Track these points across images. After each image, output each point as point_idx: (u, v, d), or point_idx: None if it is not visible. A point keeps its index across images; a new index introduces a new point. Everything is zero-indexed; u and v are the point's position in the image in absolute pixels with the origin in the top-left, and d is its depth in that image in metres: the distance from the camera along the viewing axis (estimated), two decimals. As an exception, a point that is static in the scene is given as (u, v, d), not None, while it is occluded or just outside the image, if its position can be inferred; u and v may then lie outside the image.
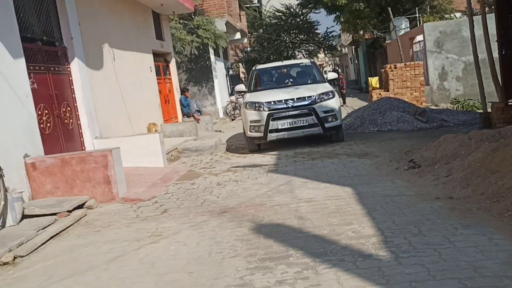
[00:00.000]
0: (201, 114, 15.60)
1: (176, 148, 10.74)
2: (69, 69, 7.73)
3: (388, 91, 14.31)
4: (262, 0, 37.02)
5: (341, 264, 3.38)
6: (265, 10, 32.88)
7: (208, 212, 5.32)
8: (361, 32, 28.13)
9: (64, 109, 7.56)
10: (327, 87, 9.53)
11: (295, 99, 8.96)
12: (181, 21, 17.49)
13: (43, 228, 5.30)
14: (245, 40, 27.80)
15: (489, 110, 9.20)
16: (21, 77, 6.14)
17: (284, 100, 8.97)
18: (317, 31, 31.82)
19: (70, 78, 7.77)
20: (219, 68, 21.39)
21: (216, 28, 18.98)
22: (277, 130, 8.89)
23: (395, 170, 6.34)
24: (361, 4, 24.35)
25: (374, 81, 17.04)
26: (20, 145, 6.09)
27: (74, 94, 7.90)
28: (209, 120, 15.13)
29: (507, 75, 8.82)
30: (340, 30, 32.41)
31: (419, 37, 18.24)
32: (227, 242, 4.18)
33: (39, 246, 4.79)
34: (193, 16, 17.96)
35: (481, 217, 4.03)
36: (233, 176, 7.27)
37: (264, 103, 8.99)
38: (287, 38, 30.60)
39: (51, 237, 5.07)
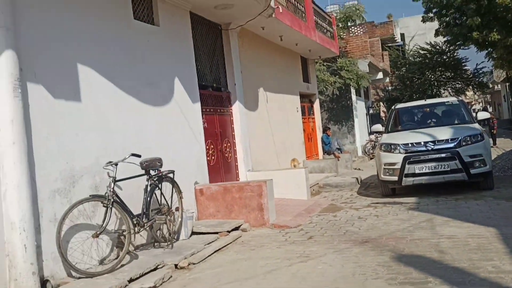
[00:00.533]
0: (341, 152, 16.13)
1: (318, 183, 11.40)
2: (231, 110, 9.02)
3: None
4: (405, 39, 36.76)
5: (478, 293, 3.63)
6: (408, 49, 32.55)
7: (350, 241, 5.82)
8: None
9: (225, 145, 8.81)
10: (475, 128, 8.66)
11: (436, 141, 8.22)
12: (325, 63, 18.49)
13: (208, 243, 6.31)
14: (387, 80, 27.81)
15: None
16: (197, 118, 7.48)
17: (424, 142, 8.27)
18: (465, 67, 30.41)
19: (231, 118, 9.05)
20: (359, 107, 21.82)
21: (359, 69, 19.60)
22: (414, 175, 8.17)
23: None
24: (516, 38, 22.90)
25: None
26: (192, 174, 7.34)
27: (234, 132, 9.14)
28: (349, 158, 15.61)
29: None
30: (492, 66, 30.42)
31: None
32: (369, 266, 4.64)
33: (207, 257, 5.77)
34: (336, 58, 18.84)
35: None
36: (373, 212, 7.64)
37: (400, 145, 8.36)
38: (432, 76, 29.82)
39: (215, 251, 6.03)
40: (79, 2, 5.33)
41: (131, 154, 5.23)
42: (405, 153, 8.27)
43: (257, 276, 4.79)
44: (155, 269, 5.10)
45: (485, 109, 27.35)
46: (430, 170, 8.08)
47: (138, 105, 6.09)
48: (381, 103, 28.88)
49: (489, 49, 26.46)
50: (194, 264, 5.52)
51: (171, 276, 5.02)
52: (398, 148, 8.38)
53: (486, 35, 23.76)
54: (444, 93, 30.80)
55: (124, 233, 5.13)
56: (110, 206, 4.93)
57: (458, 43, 27.83)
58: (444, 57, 29.56)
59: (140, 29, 6.39)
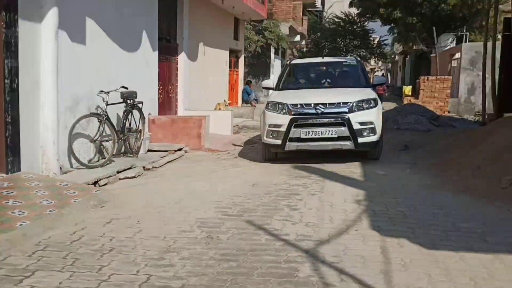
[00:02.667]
0: (257, 102, 18.85)
1: (237, 125, 13.99)
2: (177, 59, 11.13)
3: (417, 99, 16.94)
4: (325, 6, 39.77)
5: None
6: (325, 16, 35.63)
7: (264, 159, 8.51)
8: (411, 44, 30.35)
9: (170, 87, 10.97)
10: (369, 93, 7.95)
11: (327, 104, 7.44)
12: (251, 23, 20.74)
13: (162, 157, 8.64)
14: (303, 42, 30.73)
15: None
16: (155, 64, 9.56)
17: (314, 104, 7.46)
18: (371, 38, 34.21)
19: (177, 66, 11.18)
20: (276, 65, 24.52)
21: (280, 31, 22.13)
22: (298, 139, 7.45)
23: (393, 151, 9.21)
24: (414, 18, 26.79)
25: (407, 89, 19.67)
26: (148, 107, 9.49)
27: (177, 77, 11.29)
28: (263, 108, 18.43)
29: (501, 94, 11.39)
30: (392, 40, 34.60)
31: (458, 55, 20.55)
32: (277, 170, 7.35)
33: (163, 164, 8.11)
34: (263, 20, 21.15)
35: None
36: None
37: (288, 105, 7.54)
38: (342, 43, 33.29)
39: (168, 162, 8.38)
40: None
41: (121, 86, 7.33)
42: (293, 114, 7.46)
43: (203, 174, 7.26)
44: (130, 168, 7.37)
45: (383, 76, 31.46)
46: (317, 136, 7.37)
47: (120, 50, 8.09)
48: (297, 63, 31.89)
49: (391, 25, 30.37)
50: (156, 168, 7.85)
51: (143, 173, 7.33)
52: (285, 108, 7.54)
53: (390, 12, 27.42)
54: (351, 58, 34.42)
55: (110, 141, 7.29)
56: (104, 122, 7.05)
57: (368, 15, 31.45)
58: (355, 26, 33.02)
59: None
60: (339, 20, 33.03)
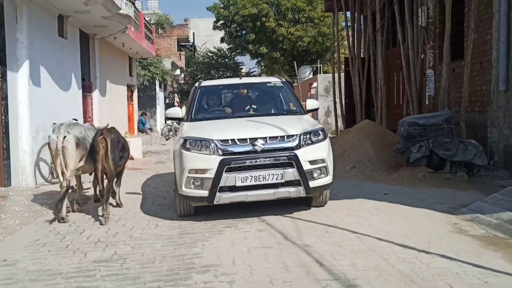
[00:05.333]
0: (152, 131, 21.04)
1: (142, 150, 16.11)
2: (92, 96, 13.04)
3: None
4: (195, 41, 43.13)
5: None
6: (199, 50, 38.98)
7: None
8: (276, 75, 35.05)
9: (88, 119, 12.82)
10: (311, 122, 6.39)
11: (267, 138, 5.62)
12: (137, 59, 22.89)
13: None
14: (182, 75, 33.54)
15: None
16: (79, 99, 11.46)
17: (250, 139, 5.59)
18: (242, 70, 38.35)
19: (92, 101, 13.07)
20: (160, 97, 26.90)
21: (164, 66, 24.61)
22: (232, 188, 5.52)
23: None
24: (277, 53, 31.37)
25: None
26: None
27: (93, 110, 13.17)
28: (157, 136, 20.74)
29: (346, 115, 15.35)
30: (260, 71, 39.17)
31: (315, 84, 25.08)
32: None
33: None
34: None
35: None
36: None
37: (216, 142, 5.55)
38: (216, 75, 36.82)
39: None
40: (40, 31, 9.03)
41: (73, 119, 9.23)
42: (223, 154, 5.50)
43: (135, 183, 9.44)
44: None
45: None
46: (258, 182, 5.49)
47: (59, 91, 9.97)
48: (176, 94, 34.48)
49: (259, 58, 34.71)
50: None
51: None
52: (211, 145, 5.55)
53: (257, 48, 31.65)
54: (225, 89, 38.06)
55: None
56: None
57: (238, 51, 35.49)
58: (226, 60, 36.86)
59: (60, 42, 10.21)
60: (212, 54, 36.60)
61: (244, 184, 5.44)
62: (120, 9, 11.42)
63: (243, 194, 5.50)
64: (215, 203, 5.50)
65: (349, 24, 16.40)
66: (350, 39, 15.25)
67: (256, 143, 5.53)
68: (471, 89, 8.41)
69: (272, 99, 7.31)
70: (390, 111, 12.30)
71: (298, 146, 5.60)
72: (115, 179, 6.55)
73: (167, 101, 30.65)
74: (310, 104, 7.00)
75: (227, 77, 37.15)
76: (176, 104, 33.14)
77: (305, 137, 5.70)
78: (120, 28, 12.97)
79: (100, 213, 6.14)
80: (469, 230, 4.97)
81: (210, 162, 5.45)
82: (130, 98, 19.18)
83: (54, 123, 8.92)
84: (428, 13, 8.59)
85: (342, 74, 16.33)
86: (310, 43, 30.75)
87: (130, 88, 19.19)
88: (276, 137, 5.64)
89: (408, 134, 7.89)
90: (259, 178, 5.46)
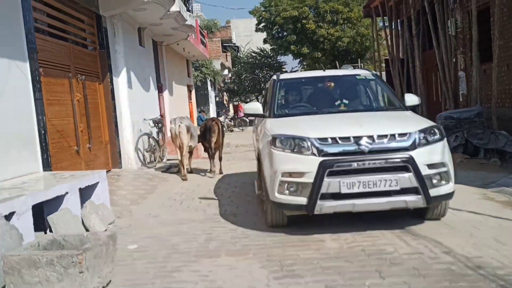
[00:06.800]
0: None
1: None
2: (163, 95, 14.98)
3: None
4: (235, 37, 45.00)
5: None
6: (242, 50, 40.86)
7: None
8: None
9: (161, 115, 14.77)
10: (420, 119, 5.39)
11: (374, 136, 4.64)
12: (193, 62, 24.96)
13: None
14: (230, 75, 35.51)
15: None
16: (156, 99, 13.39)
17: (354, 137, 4.64)
18: (284, 69, 39.96)
19: (163, 100, 15.01)
20: (212, 96, 28.91)
21: (214, 67, 26.59)
22: (336, 196, 4.58)
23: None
24: (319, 53, 32.84)
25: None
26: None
27: (164, 108, 15.12)
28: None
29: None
30: (302, 70, 40.70)
31: (356, 82, 26.32)
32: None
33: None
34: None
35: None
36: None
37: (313, 140, 4.67)
38: (260, 74, 38.57)
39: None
40: (128, 43, 10.94)
41: (160, 115, 11.16)
42: (323, 155, 4.61)
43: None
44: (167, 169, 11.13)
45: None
46: (367, 189, 4.54)
47: (144, 92, 11.90)
48: (224, 93, 36.52)
49: (300, 58, 36.27)
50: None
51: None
52: (308, 145, 4.68)
53: (299, 48, 33.21)
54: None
55: (155, 150, 11.05)
56: (151, 138, 10.84)
57: (281, 51, 37.15)
58: (269, 60, 38.54)
59: (141, 50, 12.16)
60: (256, 55, 38.39)
61: (351, 191, 4.50)
62: (186, 20, 13.27)
63: (349, 203, 4.55)
64: (316, 212, 4.60)
65: (386, 24, 17.56)
66: (389, 42, 16.57)
67: (361, 142, 4.58)
68: (500, 87, 9.73)
69: (364, 93, 6.52)
70: (429, 108, 13.62)
71: (413, 147, 4.63)
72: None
73: (217, 99, 32.71)
74: (410, 99, 5.81)
75: (271, 76, 38.82)
76: (225, 102, 35.20)
77: (420, 135, 4.71)
78: (184, 36, 14.90)
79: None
80: (494, 198, 6.26)
81: (308, 164, 4.57)
82: (189, 97, 21.19)
83: (145, 119, 11.01)
84: (456, 24, 10.00)
85: (383, 73, 17.61)
86: (349, 43, 32.05)
87: (189, 88, 21.19)
88: (386, 135, 4.65)
89: (445, 126, 9.29)
90: (368, 184, 4.50)
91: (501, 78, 9.72)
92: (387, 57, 17.23)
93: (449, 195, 4.79)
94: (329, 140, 4.64)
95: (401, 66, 15.37)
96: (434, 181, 4.65)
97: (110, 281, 3.80)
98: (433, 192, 4.60)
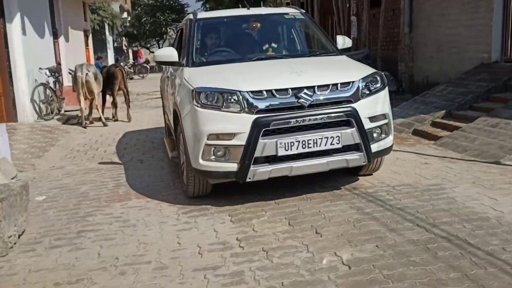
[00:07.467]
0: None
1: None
2: (58, 42, 14.13)
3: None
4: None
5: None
6: (143, -8, 38.98)
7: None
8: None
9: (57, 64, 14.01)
10: (357, 64, 4.89)
11: (315, 87, 4.08)
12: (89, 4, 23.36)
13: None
14: (129, 18, 33.83)
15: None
16: (52, 46, 12.64)
17: (292, 89, 4.04)
18: (187, 12, 38.96)
19: (59, 46, 14.19)
20: (110, 41, 27.54)
21: (113, 9, 25.17)
22: (272, 159, 4.03)
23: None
24: (221, -5, 32.36)
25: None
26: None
27: (60, 55, 14.32)
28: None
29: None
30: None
31: (259, 26, 26.61)
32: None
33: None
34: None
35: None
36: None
37: (245, 94, 3.99)
38: (161, 17, 37.30)
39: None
40: None
41: (57, 63, 10.59)
42: (257, 112, 3.98)
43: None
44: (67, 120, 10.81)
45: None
46: (306, 149, 4.02)
47: (36, 37, 11.19)
48: (124, 38, 34.89)
49: (203, 0, 35.49)
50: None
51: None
52: (239, 99, 3.99)
53: (202, -11, 32.40)
54: (170, 32, 38.82)
55: (52, 101, 10.62)
56: (48, 88, 10.37)
57: (182, -8, 36.04)
58: (171, 1, 37.33)
59: None
60: (157, -4, 36.92)
61: (289, 152, 3.96)
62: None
63: (286, 166, 4.00)
64: (248, 179, 3.99)
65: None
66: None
67: (301, 94, 4.00)
68: (385, 31, 10.63)
69: (294, 35, 5.71)
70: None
71: (357, 98, 4.12)
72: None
73: (115, 44, 31.20)
74: (342, 41, 5.19)
75: (173, 19, 37.85)
76: (124, 47, 33.67)
77: (362, 84, 4.20)
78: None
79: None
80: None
81: (239, 123, 3.93)
82: (86, 43, 20.06)
83: (40, 68, 10.49)
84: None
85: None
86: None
87: (86, 33, 20.00)
88: (328, 85, 4.09)
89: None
90: (308, 143, 3.98)
91: (387, 23, 10.59)
92: (288, 1, 17.64)
93: (388, 149, 4.45)
94: (264, 93, 3.99)
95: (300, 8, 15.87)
96: (375, 135, 4.25)
97: (25, 230, 3.91)
98: (374, 147, 4.20)
